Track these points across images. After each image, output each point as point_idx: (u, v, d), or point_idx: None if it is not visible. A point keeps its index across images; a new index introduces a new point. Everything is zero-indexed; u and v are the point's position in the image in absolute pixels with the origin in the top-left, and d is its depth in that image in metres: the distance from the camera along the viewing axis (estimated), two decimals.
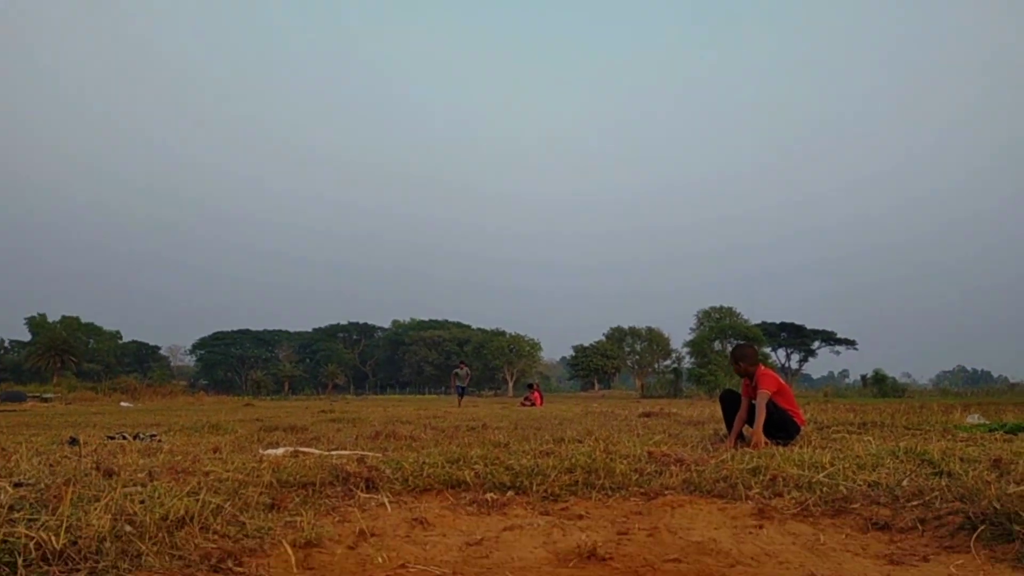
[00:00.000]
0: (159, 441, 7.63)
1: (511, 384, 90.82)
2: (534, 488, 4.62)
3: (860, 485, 4.36)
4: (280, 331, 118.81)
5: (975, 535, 3.25)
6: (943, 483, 4.20)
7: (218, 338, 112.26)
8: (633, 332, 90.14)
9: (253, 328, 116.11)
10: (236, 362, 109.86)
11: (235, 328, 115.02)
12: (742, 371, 7.39)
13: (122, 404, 32.20)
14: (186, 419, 13.04)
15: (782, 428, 6.85)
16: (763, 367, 7.36)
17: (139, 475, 4.60)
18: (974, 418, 10.78)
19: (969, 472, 4.47)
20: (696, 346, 72.44)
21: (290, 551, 3.00)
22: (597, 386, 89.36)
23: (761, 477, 4.73)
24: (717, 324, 74.89)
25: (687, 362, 76.67)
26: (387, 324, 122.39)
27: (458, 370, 30.67)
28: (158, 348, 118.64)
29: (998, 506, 3.32)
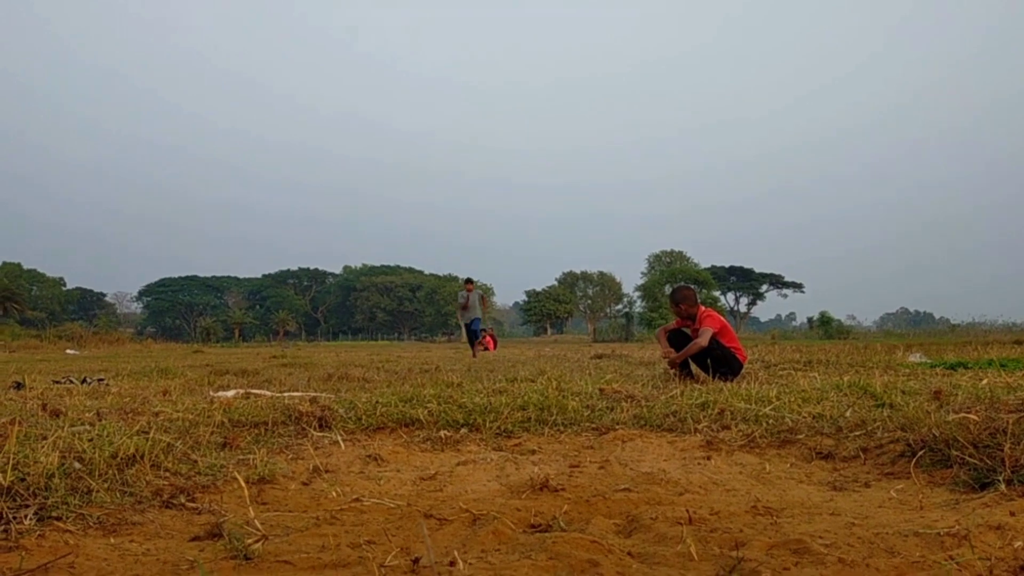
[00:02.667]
0: (107, 385, 7.53)
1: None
2: (487, 425, 4.66)
3: (805, 417, 4.47)
4: (229, 277, 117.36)
5: (914, 461, 3.37)
6: (885, 414, 4.33)
7: (165, 284, 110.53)
8: (585, 277, 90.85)
9: (201, 274, 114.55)
10: (184, 309, 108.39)
11: (183, 274, 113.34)
12: (683, 313, 7.47)
13: (68, 351, 31.65)
14: (134, 365, 12.87)
15: (726, 364, 6.98)
16: (703, 307, 7.47)
17: (87, 415, 4.55)
18: (916, 357, 11.11)
19: (910, 403, 4.62)
20: (647, 290, 73.23)
21: (244, 486, 2.99)
22: (550, 331, 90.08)
23: (709, 411, 4.84)
24: (668, 268, 75.73)
25: (638, 306, 77.54)
26: (338, 270, 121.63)
27: (464, 293, 19.59)
28: (104, 295, 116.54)
29: (937, 433, 3.43)
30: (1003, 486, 2.81)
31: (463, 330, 18.91)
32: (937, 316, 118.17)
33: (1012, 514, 2.51)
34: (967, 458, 3.13)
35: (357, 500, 3.07)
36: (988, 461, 3.04)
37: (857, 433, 3.99)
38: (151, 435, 3.60)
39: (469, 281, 19.92)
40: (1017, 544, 2.18)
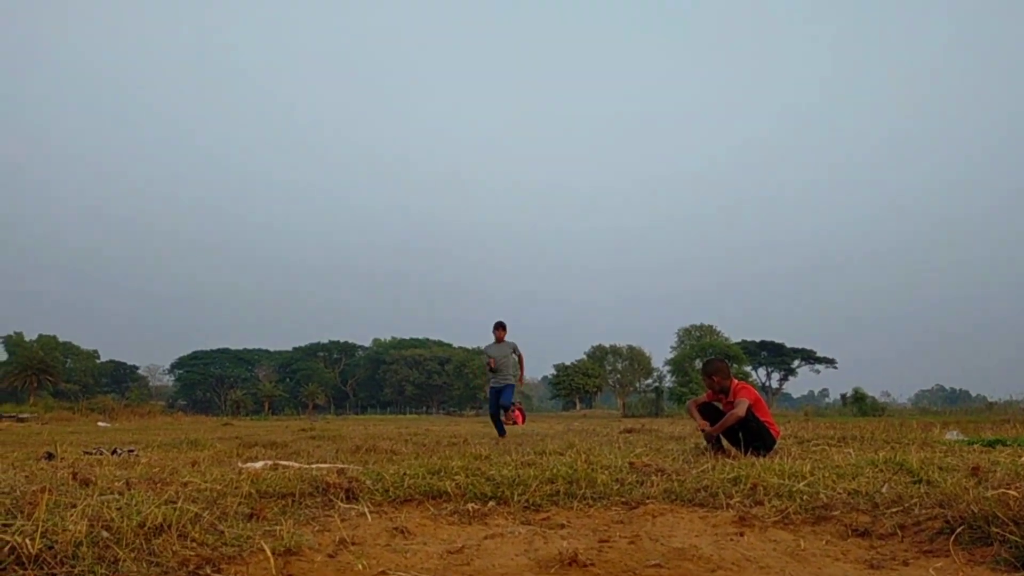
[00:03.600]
0: (137, 456, 7.56)
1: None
2: (515, 498, 4.61)
3: (840, 493, 4.38)
4: (260, 350, 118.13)
5: (953, 538, 3.28)
6: (922, 490, 4.23)
7: (197, 357, 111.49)
8: (614, 350, 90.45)
9: (232, 347, 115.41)
10: (215, 382, 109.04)
11: (214, 347, 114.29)
12: (716, 386, 7.39)
13: (99, 424, 31.83)
14: (164, 437, 12.93)
15: (759, 438, 6.87)
16: (736, 380, 7.40)
17: (116, 484, 4.56)
18: (953, 435, 10.87)
19: (947, 479, 4.51)
20: (677, 364, 72.78)
21: (270, 558, 2.97)
22: (579, 405, 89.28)
23: (742, 486, 4.75)
24: (698, 342, 75.28)
25: (668, 380, 76.85)
26: (368, 343, 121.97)
27: (489, 352, 13.37)
28: (136, 368, 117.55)
29: (976, 510, 3.35)
30: None
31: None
32: (973, 393, 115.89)
33: None
34: (1008, 535, 3.05)
35: (383, 573, 3.05)
36: None
37: (894, 510, 3.90)
38: (179, 505, 3.61)
39: (500, 327, 13.29)
40: None
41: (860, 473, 5.05)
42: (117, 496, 3.84)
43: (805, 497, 4.34)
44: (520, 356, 13.29)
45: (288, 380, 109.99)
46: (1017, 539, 2.99)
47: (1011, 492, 3.33)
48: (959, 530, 3.32)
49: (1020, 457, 5.78)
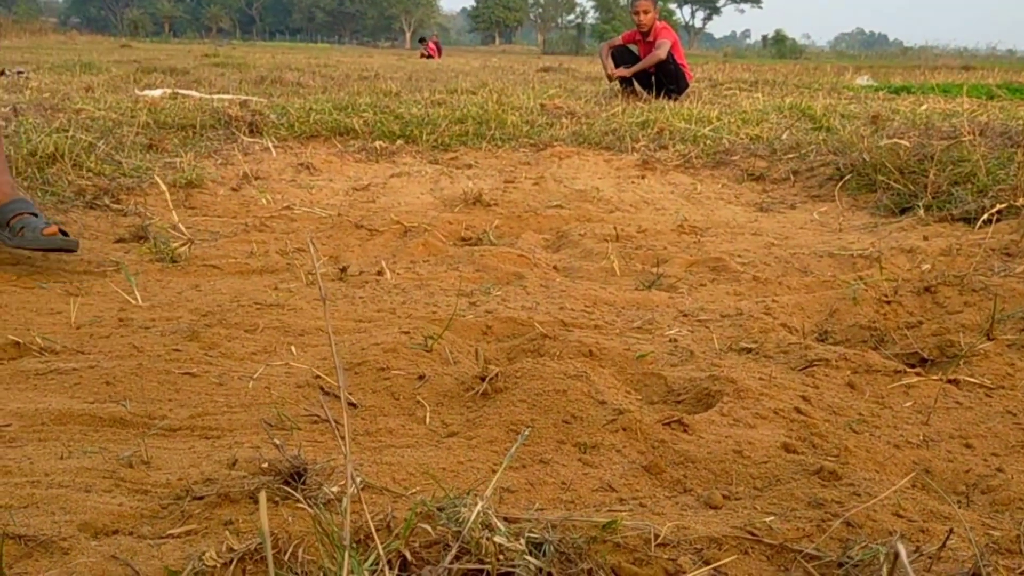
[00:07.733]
0: (27, 78, 7.15)
1: (408, 35, 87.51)
2: (424, 137, 4.59)
3: (742, 139, 4.49)
4: None
5: (841, 184, 3.44)
6: (820, 137, 4.36)
7: None
8: None
9: None
10: None
11: None
12: (642, 21, 7.08)
13: None
14: (56, 58, 12.18)
15: (675, 81, 6.85)
16: (659, 21, 7.18)
17: (3, 110, 4.34)
18: (864, 80, 11.09)
19: (846, 127, 4.64)
20: (601, 0, 70.51)
21: (166, 191, 2.93)
22: (498, 40, 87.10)
23: (649, 130, 4.81)
24: None
25: (591, 17, 74.88)
26: None
27: None
28: None
29: (867, 158, 3.48)
30: (921, 211, 2.89)
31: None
32: (891, 38, 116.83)
33: (925, 238, 2.61)
34: (892, 183, 3.20)
35: (288, 208, 3.06)
36: (911, 187, 3.11)
37: (791, 156, 4.03)
38: (71, 133, 3.47)
39: None
40: (925, 267, 2.27)
41: (765, 119, 5.16)
42: (3, 123, 3.66)
43: (708, 142, 4.44)
44: None
45: (189, 0, 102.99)
46: (900, 187, 3.15)
47: (903, 142, 3.44)
48: (848, 177, 3.47)
49: (920, 106, 5.95)
